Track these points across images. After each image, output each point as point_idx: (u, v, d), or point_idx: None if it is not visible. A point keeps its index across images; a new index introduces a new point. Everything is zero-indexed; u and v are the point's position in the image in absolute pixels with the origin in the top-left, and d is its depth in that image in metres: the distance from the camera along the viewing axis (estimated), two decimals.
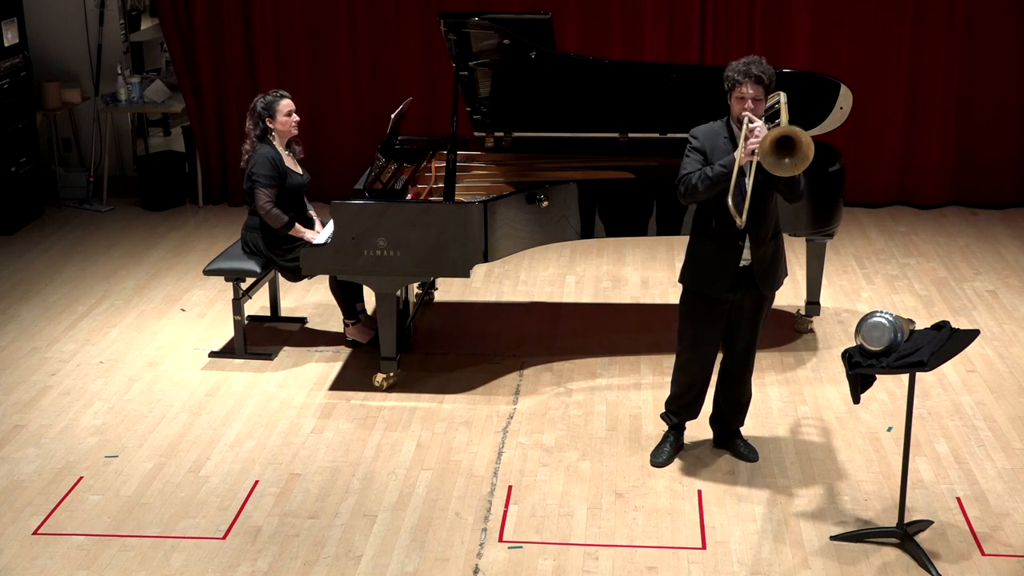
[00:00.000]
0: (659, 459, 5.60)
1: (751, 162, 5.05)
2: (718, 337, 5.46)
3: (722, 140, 5.22)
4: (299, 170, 6.72)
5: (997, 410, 6.13)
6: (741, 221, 5.08)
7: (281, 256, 6.66)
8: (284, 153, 6.64)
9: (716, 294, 5.33)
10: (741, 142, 5.04)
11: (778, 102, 5.16)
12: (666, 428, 5.72)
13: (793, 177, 5.12)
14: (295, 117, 6.63)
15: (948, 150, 9.38)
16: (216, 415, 6.15)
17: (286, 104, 6.59)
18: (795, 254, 8.19)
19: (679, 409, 5.65)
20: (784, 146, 4.93)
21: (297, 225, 6.60)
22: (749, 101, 5.12)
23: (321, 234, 6.59)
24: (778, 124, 5.03)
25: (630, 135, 7.25)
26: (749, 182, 5.06)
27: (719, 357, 5.58)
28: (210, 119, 9.60)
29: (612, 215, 6.52)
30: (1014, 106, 9.29)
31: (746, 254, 5.26)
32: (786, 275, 5.51)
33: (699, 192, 5.16)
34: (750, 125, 5.05)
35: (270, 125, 6.57)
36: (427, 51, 9.37)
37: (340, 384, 6.47)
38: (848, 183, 7.92)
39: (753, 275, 5.30)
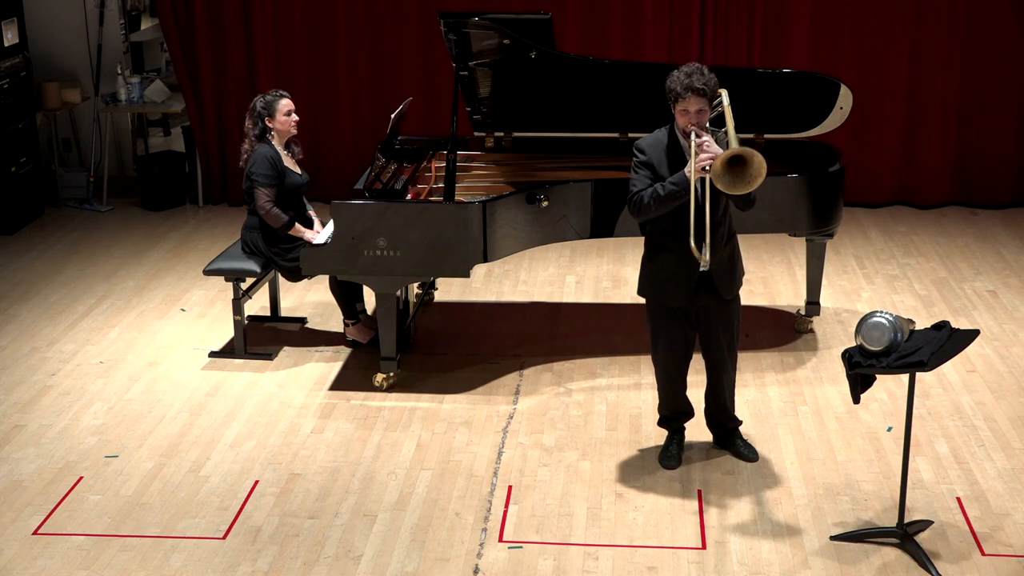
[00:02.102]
0: (670, 463, 5.59)
1: (704, 179, 5.03)
2: (688, 339, 5.45)
3: (666, 150, 5.20)
4: (298, 170, 6.72)
5: (997, 410, 6.13)
6: (705, 262, 5.07)
7: (281, 256, 6.66)
8: (283, 153, 6.64)
9: (678, 303, 5.32)
10: (692, 159, 5.01)
11: (720, 103, 5.12)
12: (666, 432, 5.72)
13: None
14: (294, 117, 6.64)
15: (948, 150, 9.38)
16: (216, 415, 6.15)
17: (285, 104, 6.60)
18: (795, 254, 8.20)
19: (671, 414, 5.65)
20: (736, 163, 4.91)
21: (297, 225, 6.60)
22: (693, 115, 5.10)
23: (321, 234, 6.59)
24: (727, 141, 4.99)
25: (630, 135, 7.25)
26: (707, 214, 5.05)
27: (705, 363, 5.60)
28: (210, 119, 9.61)
29: (612, 215, 6.52)
30: (1014, 106, 9.29)
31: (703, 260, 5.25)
32: (743, 274, 5.50)
33: (651, 210, 5.15)
34: (697, 140, 5.03)
35: (269, 125, 6.57)
36: (427, 51, 9.37)
37: (340, 384, 6.47)
38: (848, 183, 7.92)
39: (712, 280, 5.28)
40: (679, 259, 5.24)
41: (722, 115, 5.12)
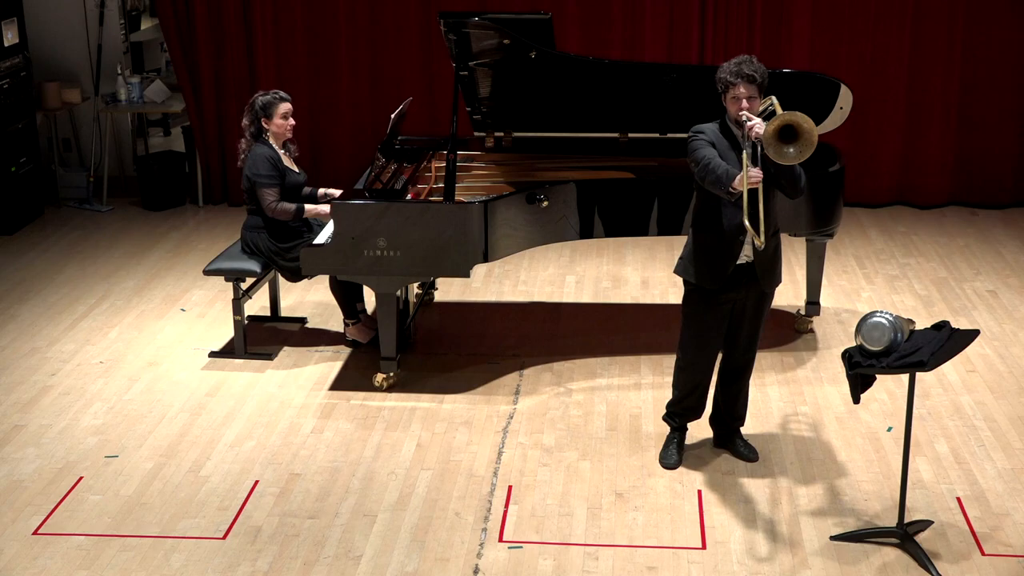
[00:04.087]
0: (669, 461, 5.59)
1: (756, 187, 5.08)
2: (720, 337, 5.47)
3: (722, 138, 5.24)
4: (296, 168, 6.73)
5: (997, 410, 6.13)
6: (760, 241, 5.08)
7: (281, 256, 6.66)
8: (281, 153, 6.64)
9: (712, 287, 5.32)
10: (744, 172, 5.03)
11: (771, 105, 5.16)
12: (668, 429, 5.72)
13: (795, 173, 5.13)
14: (291, 121, 6.62)
15: (948, 150, 9.38)
16: (216, 415, 6.15)
17: (285, 107, 6.58)
18: (795, 254, 8.20)
19: (683, 411, 5.65)
20: (787, 135, 4.92)
21: (307, 207, 6.59)
22: (744, 101, 5.14)
23: (321, 234, 6.59)
24: (773, 110, 5.03)
25: (630, 135, 7.26)
26: (761, 203, 5.08)
27: (719, 357, 5.59)
28: (210, 119, 9.61)
29: (612, 215, 6.52)
30: (1014, 106, 9.29)
31: (747, 250, 5.27)
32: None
33: (705, 181, 5.16)
34: (748, 123, 5.06)
35: (265, 125, 6.57)
36: (427, 51, 9.37)
37: (340, 384, 6.48)
38: (848, 183, 7.92)
39: (755, 272, 5.30)
40: (721, 243, 5.25)
41: (772, 113, 5.11)
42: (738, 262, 5.29)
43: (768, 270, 5.35)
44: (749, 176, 5.01)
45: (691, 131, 5.30)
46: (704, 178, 5.14)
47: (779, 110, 5.10)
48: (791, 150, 4.93)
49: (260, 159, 6.52)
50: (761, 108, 5.18)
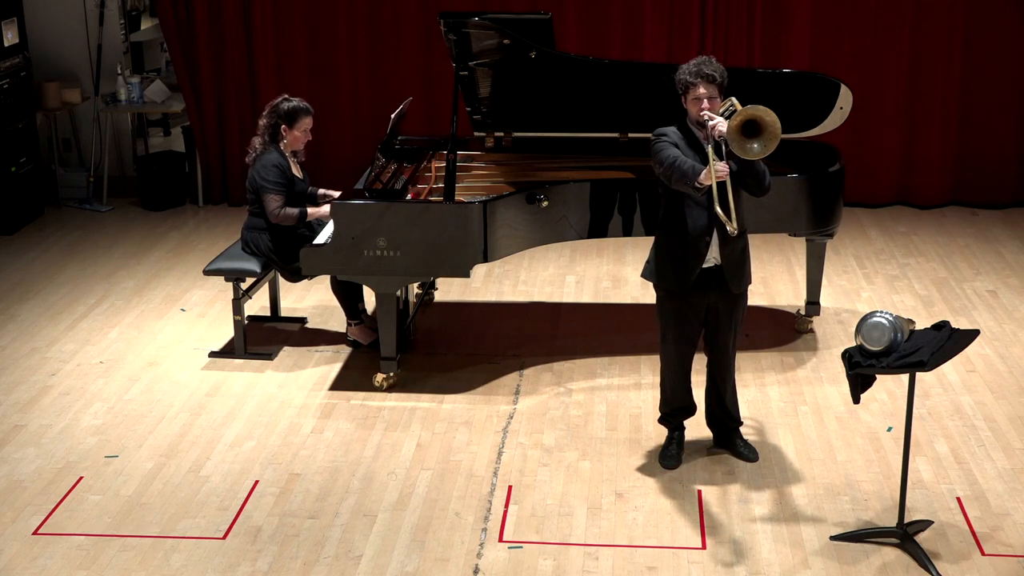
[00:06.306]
0: (670, 462, 5.59)
1: (723, 181, 5.07)
2: (696, 333, 5.47)
3: (683, 141, 5.24)
4: (301, 175, 6.74)
5: (997, 410, 6.13)
6: (733, 227, 5.09)
7: (281, 259, 6.67)
8: (292, 161, 6.65)
9: (679, 289, 5.33)
10: (712, 165, 5.02)
11: (731, 105, 5.14)
12: (666, 431, 5.72)
13: (759, 171, 5.12)
14: (309, 136, 6.64)
15: (948, 150, 9.38)
16: (216, 415, 6.15)
17: (308, 121, 6.59)
18: (795, 254, 8.20)
19: (673, 412, 5.65)
20: (750, 130, 4.91)
21: (310, 209, 6.58)
22: (705, 101, 5.14)
23: (321, 234, 6.59)
24: (734, 110, 5.02)
25: (630, 135, 7.26)
26: (729, 191, 5.08)
27: (706, 360, 5.60)
28: (210, 119, 9.60)
29: (612, 215, 6.52)
30: (1014, 106, 9.29)
31: (715, 252, 5.27)
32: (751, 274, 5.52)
33: (672, 179, 5.14)
34: (710, 122, 5.06)
35: (284, 133, 6.57)
36: (427, 51, 9.37)
37: (340, 384, 6.48)
38: (848, 183, 7.92)
39: (723, 275, 5.30)
40: (686, 246, 5.26)
41: (734, 113, 5.10)
42: (705, 265, 5.29)
43: (736, 272, 5.35)
44: (716, 170, 5.01)
45: (653, 133, 5.30)
46: (671, 176, 5.13)
47: (739, 108, 5.08)
48: (755, 145, 4.93)
49: (269, 165, 6.52)
50: (722, 109, 5.16)
